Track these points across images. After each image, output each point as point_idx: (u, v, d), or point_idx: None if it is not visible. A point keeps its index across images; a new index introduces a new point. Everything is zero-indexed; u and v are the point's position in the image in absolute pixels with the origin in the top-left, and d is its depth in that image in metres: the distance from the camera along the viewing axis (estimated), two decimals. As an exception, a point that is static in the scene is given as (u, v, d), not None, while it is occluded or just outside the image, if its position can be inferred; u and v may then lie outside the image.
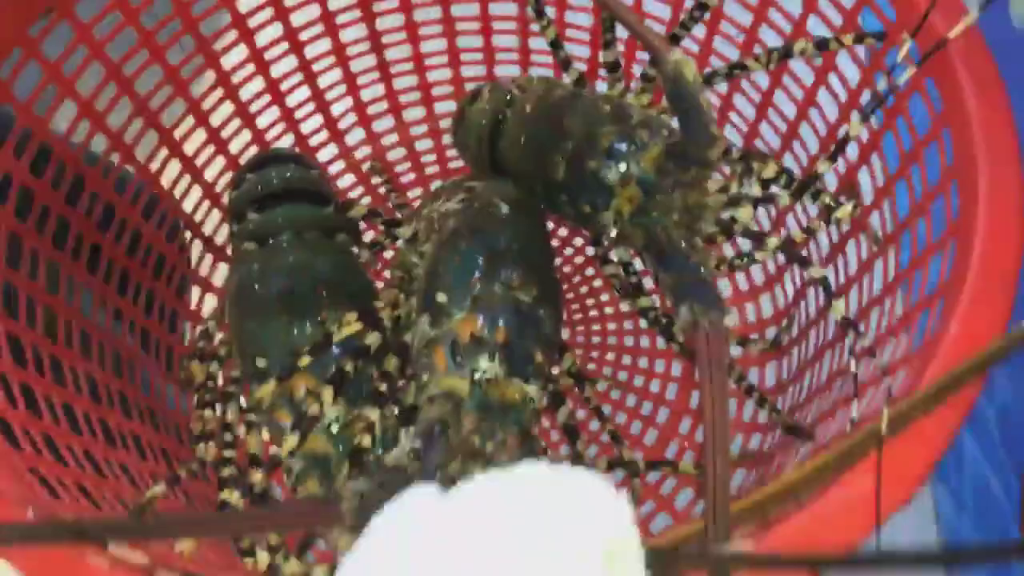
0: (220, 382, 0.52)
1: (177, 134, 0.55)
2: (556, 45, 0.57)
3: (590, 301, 0.61)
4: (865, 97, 0.45)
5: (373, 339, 0.47)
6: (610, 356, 0.60)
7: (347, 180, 0.66)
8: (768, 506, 0.28)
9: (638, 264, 0.56)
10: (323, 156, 0.65)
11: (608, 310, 0.61)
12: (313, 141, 0.64)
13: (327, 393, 0.45)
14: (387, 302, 0.47)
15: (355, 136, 0.66)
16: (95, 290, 0.50)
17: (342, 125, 0.65)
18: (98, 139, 0.49)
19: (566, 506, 0.26)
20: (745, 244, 0.47)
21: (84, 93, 0.47)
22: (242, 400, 0.50)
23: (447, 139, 0.67)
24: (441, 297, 0.46)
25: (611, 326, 0.61)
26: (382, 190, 0.65)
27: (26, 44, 0.42)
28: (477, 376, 0.43)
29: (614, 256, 0.56)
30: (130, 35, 0.49)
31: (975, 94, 0.35)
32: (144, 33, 0.50)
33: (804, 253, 0.50)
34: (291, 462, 0.45)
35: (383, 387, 0.47)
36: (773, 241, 0.45)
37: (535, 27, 0.61)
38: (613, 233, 0.48)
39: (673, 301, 0.41)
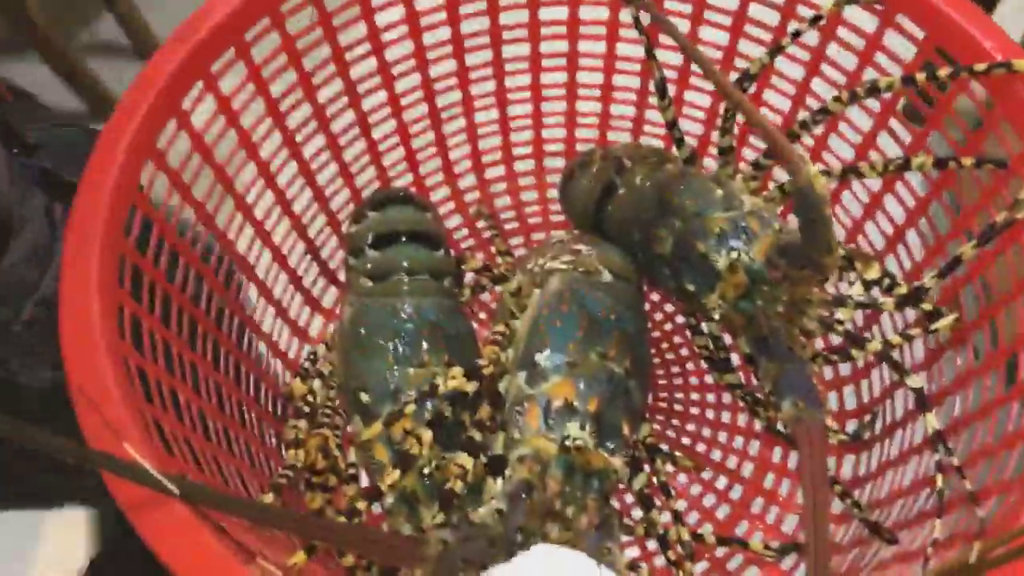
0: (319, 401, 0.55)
1: (315, 163, 0.59)
2: (673, 125, 0.59)
3: (675, 369, 0.63)
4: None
5: (471, 387, 0.50)
6: (690, 427, 0.61)
7: (455, 220, 0.69)
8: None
9: (727, 338, 0.57)
10: (435, 196, 0.68)
11: (693, 380, 0.63)
12: (429, 182, 0.67)
13: (427, 436, 0.48)
14: (489, 360, 0.50)
15: (467, 181, 0.69)
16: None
17: (457, 170, 0.68)
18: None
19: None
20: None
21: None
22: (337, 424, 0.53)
23: (551, 193, 0.70)
24: (540, 358, 0.48)
25: (694, 396, 0.62)
26: (486, 234, 0.68)
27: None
28: (567, 443, 0.46)
29: (705, 328, 0.58)
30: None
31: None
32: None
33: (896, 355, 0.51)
34: (384, 497, 0.48)
35: (478, 436, 0.49)
36: (874, 346, 0.47)
37: (653, 100, 0.64)
38: (716, 316, 0.49)
39: (775, 391, 0.43)
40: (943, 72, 0.44)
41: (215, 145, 0.48)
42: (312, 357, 0.57)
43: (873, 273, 0.50)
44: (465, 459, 0.48)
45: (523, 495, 0.45)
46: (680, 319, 0.64)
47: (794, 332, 0.47)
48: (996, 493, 0.36)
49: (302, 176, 0.58)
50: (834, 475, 0.49)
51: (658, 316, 0.65)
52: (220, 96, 0.48)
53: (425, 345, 0.51)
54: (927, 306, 0.45)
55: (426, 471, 0.48)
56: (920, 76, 0.45)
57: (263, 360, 0.57)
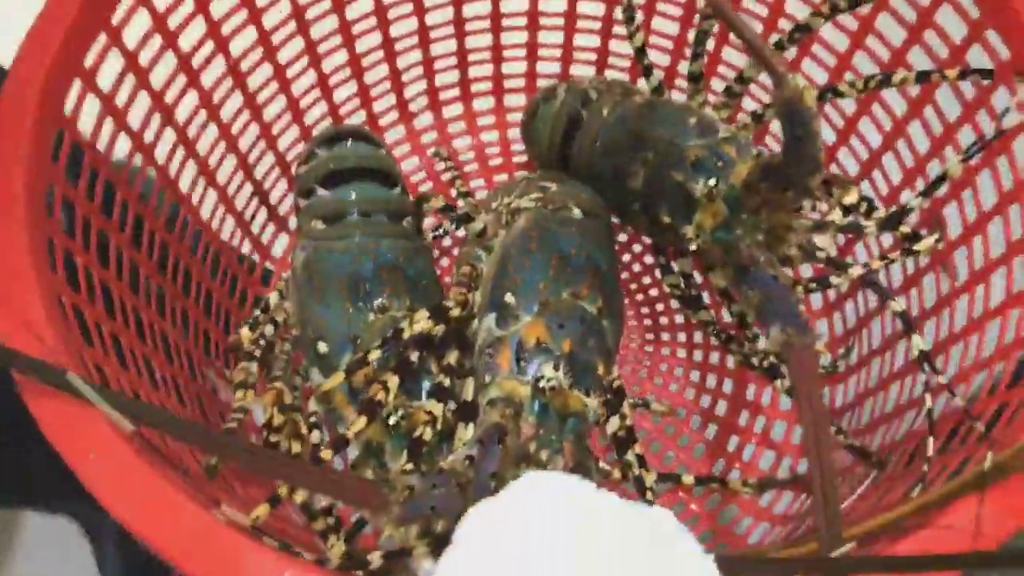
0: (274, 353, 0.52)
1: (261, 97, 0.55)
2: (642, 51, 0.56)
3: (645, 310, 0.61)
4: (964, 134, 0.44)
5: (438, 331, 0.47)
6: (662, 367, 0.59)
7: (411, 163, 0.66)
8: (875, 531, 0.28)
9: (698, 277, 0.56)
10: (389, 137, 0.65)
11: (663, 320, 0.61)
12: (383, 121, 0.64)
13: (393, 382, 0.45)
14: (456, 302, 0.47)
15: (424, 119, 0.65)
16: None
17: (413, 108, 0.64)
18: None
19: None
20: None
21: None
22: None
23: (512, 133, 0.66)
24: (509, 298, 0.46)
25: (664, 336, 0.60)
26: (446, 177, 0.65)
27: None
28: (541, 384, 0.43)
29: (675, 267, 0.56)
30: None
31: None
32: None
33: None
34: (348, 448, 0.45)
35: (447, 382, 0.47)
36: (855, 270, 0.45)
37: (619, 30, 0.61)
38: (693, 247, 0.47)
39: (760, 318, 0.41)
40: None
41: (151, 68, 0.44)
42: (264, 306, 0.54)
43: (851, 197, 0.48)
44: (434, 406, 0.45)
45: (495, 440, 0.43)
46: (648, 259, 0.62)
47: (774, 259, 0.45)
48: (992, 404, 0.35)
49: (248, 109, 0.54)
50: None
51: (626, 257, 0.63)
52: (155, 12, 0.43)
53: (385, 289, 0.48)
54: (906, 229, 0.44)
55: (392, 420, 0.45)
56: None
57: (211, 311, 0.54)
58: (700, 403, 0.58)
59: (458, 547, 0.29)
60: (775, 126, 0.57)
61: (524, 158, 0.65)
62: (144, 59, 0.43)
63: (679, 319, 0.61)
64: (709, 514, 0.54)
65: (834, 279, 0.48)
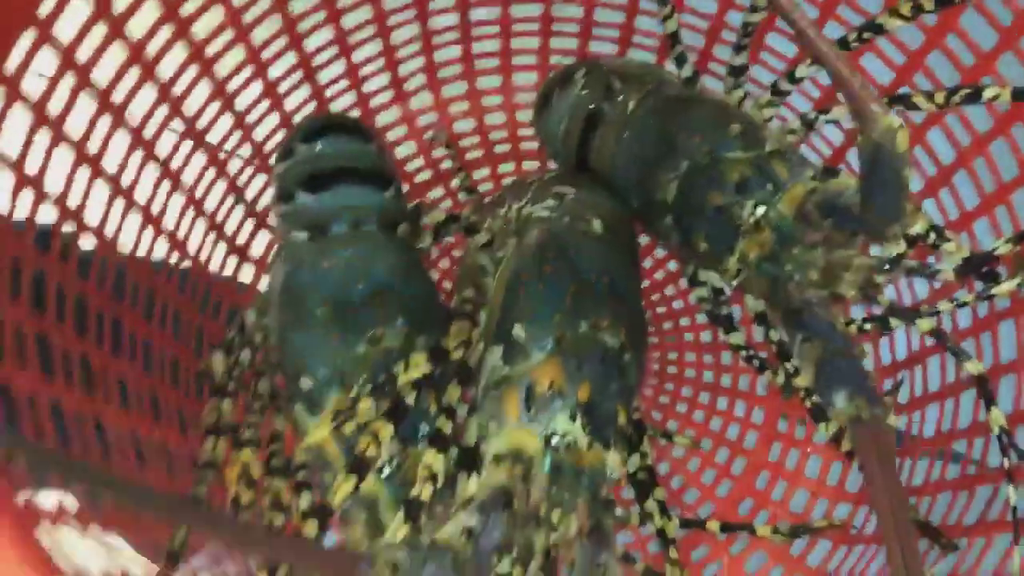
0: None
1: (231, 86, 0.47)
2: (675, 38, 0.48)
3: (667, 325, 0.55)
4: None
5: (436, 372, 0.41)
6: (685, 391, 0.54)
7: (407, 148, 0.58)
8: None
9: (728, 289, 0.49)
10: (382, 120, 0.57)
11: (687, 336, 0.55)
12: (375, 102, 0.56)
13: (386, 432, 0.39)
14: (457, 339, 0.41)
15: (422, 100, 0.58)
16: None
17: (409, 86, 0.57)
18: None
19: None
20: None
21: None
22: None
23: (521, 115, 0.59)
24: (519, 331, 0.40)
25: (688, 356, 0.54)
26: (446, 164, 0.58)
27: None
28: (555, 441, 0.38)
29: (703, 277, 0.49)
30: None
31: None
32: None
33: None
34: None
35: (447, 427, 0.41)
36: (925, 324, 0.39)
37: (647, 4, 0.53)
38: (735, 282, 0.41)
39: (820, 380, 0.35)
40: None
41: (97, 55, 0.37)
42: (240, 325, 0.47)
43: (919, 226, 0.42)
44: (432, 457, 0.40)
45: (500, 506, 0.37)
46: (673, 265, 0.56)
47: (829, 301, 0.39)
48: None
49: (219, 97, 0.46)
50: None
51: (647, 263, 0.57)
52: None
53: (377, 315, 0.42)
54: (1003, 286, 0.37)
55: (387, 472, 0.40)
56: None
57: (180, 330, 0.47)
58: (727, 434, 0.52)
59: None
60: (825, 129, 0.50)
61: (535, 145, 0.58)
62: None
63: (705, 336, 0.54)
64: (734, 561, 0.49)
65: (893, 322, 0.42)
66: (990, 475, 0.38)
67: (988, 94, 0.38)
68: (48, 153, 0.35)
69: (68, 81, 0.36)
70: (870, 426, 0.33)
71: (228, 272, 0.52)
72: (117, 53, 0.39)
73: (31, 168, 0.34)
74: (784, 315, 0.39)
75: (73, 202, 0.37)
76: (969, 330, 0.43)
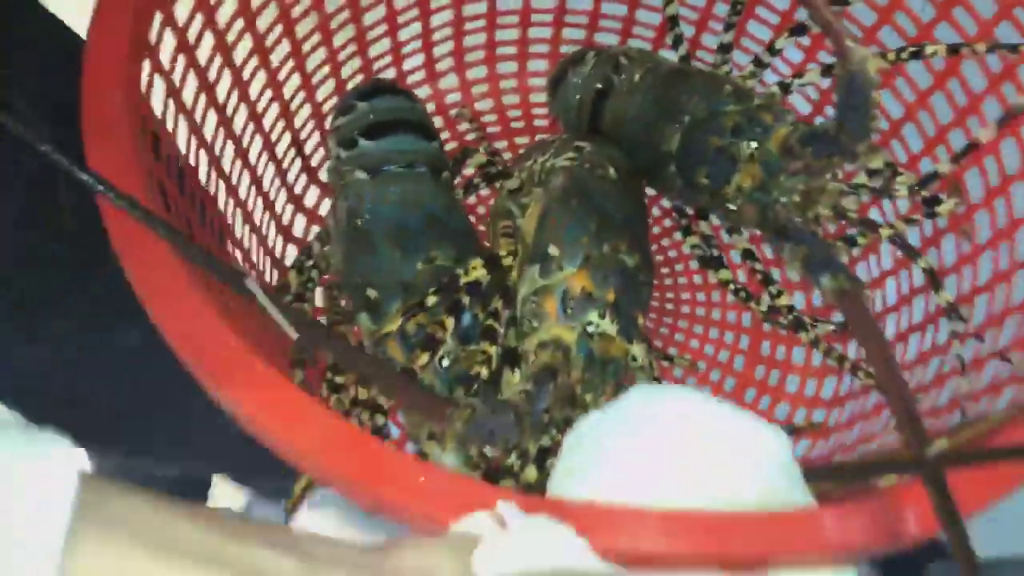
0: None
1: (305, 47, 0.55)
2: (675, 20, 0.58)
3: (665, 270, 0.64)
4: (988, 105, 0.48)
5: (485, 279, 0.48)
6: (682, 324, 0.62)
7: (436, 123, 0.66)
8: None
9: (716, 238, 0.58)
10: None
11: (681, 280, 0.64)
12: (411, 80, 0.65)
13: (449, 322, 0.46)
14: (508, 251, 0.49)
15: (448, 81, 0.67)
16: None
17: (439, 67, 0.66)
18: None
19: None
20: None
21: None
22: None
23: (534, 97, 0.68)
24: (553, 250, 0.48)
25: (684, 296, 0.63)
26: (471, 137, 0.66)
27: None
28: (589, 329, 0.45)
29: (696, 228, 0.58)
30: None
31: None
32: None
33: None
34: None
35: (497, 325, 0.48)
36: (885, 231, 0.48)
37: (648, -1, 0.63)
38: (732, 206, 0.50)
39: (807, 271, 0.44)
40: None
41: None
42: (307, 251, 0.55)
43: (878, 162, 0.51)
44: (487, 346, 0.47)
45: (547, 379, 0.45)
46: (668, 222, 0.65)
47: (807, 219, 0.48)
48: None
49: (292, 58, 0.54)
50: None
51: (645, 220, 0.66)
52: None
53: (431, 239, 0.50)
54: (942, 196, 0.47)
55: (445, 363, 0.47)
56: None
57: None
58: (718, 358, 0.61)
59: (572, 456, 0.31)
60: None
61: (545, 122, 0.67)
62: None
63: (698, 279, 0.63)
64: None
65: (860, 239, 0.51)
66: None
67: (929, 51, 0.48)
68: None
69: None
70: (853, 295, 0.41)
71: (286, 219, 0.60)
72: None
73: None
74: (773, 232, 0.48)
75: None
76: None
